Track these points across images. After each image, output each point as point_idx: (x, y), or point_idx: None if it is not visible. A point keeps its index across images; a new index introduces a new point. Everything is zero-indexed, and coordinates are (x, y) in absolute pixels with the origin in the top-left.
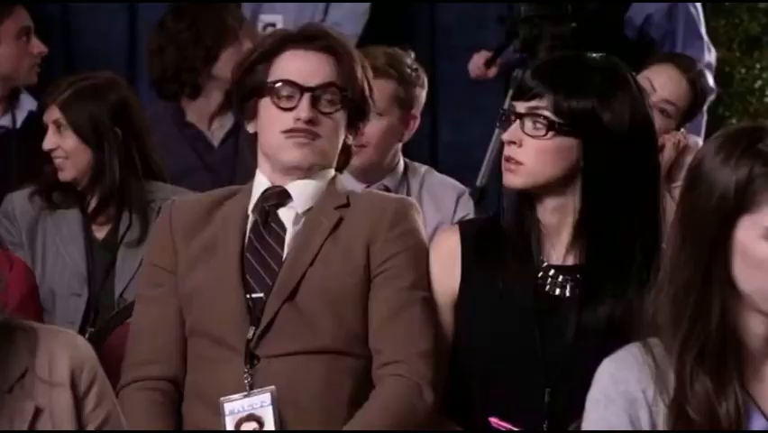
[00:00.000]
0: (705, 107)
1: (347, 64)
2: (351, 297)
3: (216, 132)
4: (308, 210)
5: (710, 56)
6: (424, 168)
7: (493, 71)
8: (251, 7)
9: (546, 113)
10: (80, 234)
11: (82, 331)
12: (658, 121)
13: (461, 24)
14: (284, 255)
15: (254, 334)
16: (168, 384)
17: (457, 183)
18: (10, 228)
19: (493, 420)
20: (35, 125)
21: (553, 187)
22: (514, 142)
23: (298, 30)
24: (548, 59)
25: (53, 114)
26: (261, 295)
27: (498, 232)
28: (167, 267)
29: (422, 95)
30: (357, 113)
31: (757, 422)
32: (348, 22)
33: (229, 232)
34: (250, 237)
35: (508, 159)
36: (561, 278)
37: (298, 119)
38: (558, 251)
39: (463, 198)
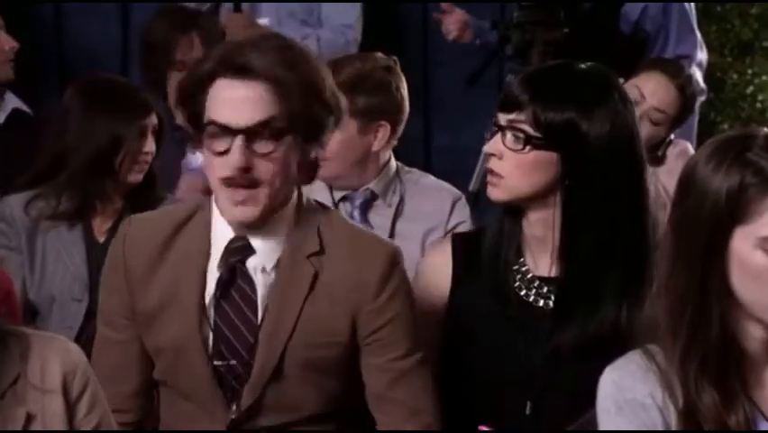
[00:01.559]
0: (696, 107)
1: (282, 91)
2: (333, 366)
3: None
4: (277, 260)
5: (702, 54)
6: (417, 172)
7: (469, 36)
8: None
9: (525, 126)
10: (81, 239)
11: (81, 336)
12: (648, 129)
13: None
14: (258, 321)
15: (236, 412)
16: (129, 427)
17: (453, 188)
18: (7, 232)
19: (482, 428)
20: (27, 124)
21: (537, 200)
22: (494, 155)
23: (228, 54)
24: (533, 70)
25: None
26: (234, 363)
27: (486, 245)
28: (124, 314)
29: (393, 102)
30: (309, 134)
31: (763, 427)
32: (348, 30)
33: (187, 285)
34: (216, 297)
35: (491, 171)
36: (545, 289)
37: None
38: (544, 262)
39: (459, 203)
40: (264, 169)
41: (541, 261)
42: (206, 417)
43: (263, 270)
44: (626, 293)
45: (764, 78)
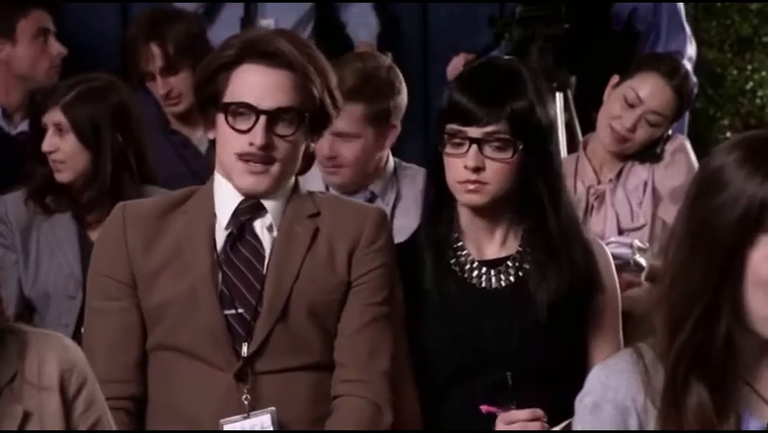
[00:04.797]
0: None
1: (304, 82)
2: (334, 309)
3: (204, 138)
4: (281, 221)
5: (692, 48)
6: (415, 168)
7: None
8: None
9: (507, 136)
10: (74, 237)
11: (76, 333)
12: (647, 131)
13: (453, 26)
14: (264, 271)
15: (248, 352)
16: (130, 403)
17: None
18: (2, 230)
19: (483, 408)
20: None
21: (507, 195)
22: (479, 168)
23: (258, 42)
24: (472, 77)
25: (55, 116)
26: (242, 311)
27: (424, 247)
28: (123, 280)
29: (400, 101)
30: (317, 124)
31: (751, 424)
32: (364, 28)
33: (196, 242)
34: (225, 251)
35: (471, 181)
36: (492, 272)
37: (252, 144)
38: (490, 247)
39: None
40: (281, 149)
41: (486, 247)
42: (210, 372)
43: (269, 228)
44: (581, 256)
45: (764, 73)
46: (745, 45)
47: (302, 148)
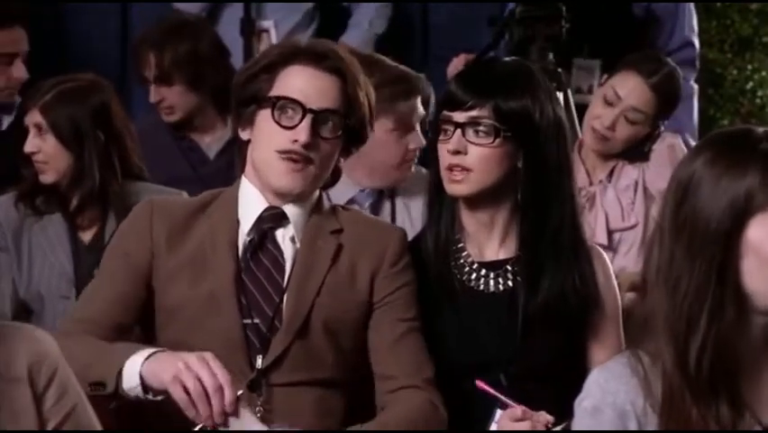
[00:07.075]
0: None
1: (353, 89)
2: (352, 329)
3: (213, 144)
4: (303, 233)
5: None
6: (415, 169)
7: None
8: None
9: (489, 121)
10: (66, 238)
11: None
12: (627, 129)
13: (453, 26)
14: (284, 283)
15: (263, 364)
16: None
17: None
18: None
19: (479, 383)
20: (16, 127)
21: (494, 188)
22: (459, 152)
23: (309, 45)
24: (470, 68)
25: (34, 117)
26: (258, 321)
27: (429, 248)
28: (140, 263)
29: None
30: (354, 138)
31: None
32: (355, 29)
33: (219, 248)
34: (246, 259)
35: (454, 167)
36: (491, 275)
37: (296, 141)
38: (490, 247)
39: None
40: (321, 151)
41: (485, 247)
42: None
43: (292, 239)
44: (576, 261)
45: (764, 73)
46: (745, 45)
47: (336, 158)
